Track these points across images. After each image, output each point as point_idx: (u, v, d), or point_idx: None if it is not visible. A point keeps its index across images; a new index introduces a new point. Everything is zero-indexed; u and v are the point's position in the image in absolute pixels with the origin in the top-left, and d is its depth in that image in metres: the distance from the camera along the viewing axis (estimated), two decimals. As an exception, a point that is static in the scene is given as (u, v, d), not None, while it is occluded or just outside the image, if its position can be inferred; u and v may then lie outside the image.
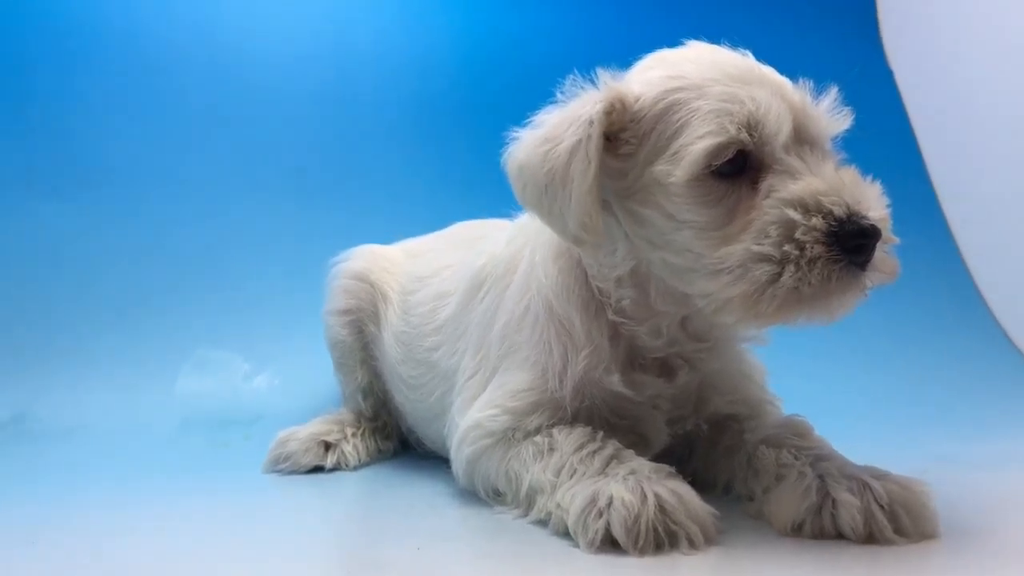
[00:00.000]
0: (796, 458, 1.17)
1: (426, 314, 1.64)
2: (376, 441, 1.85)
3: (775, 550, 1.05)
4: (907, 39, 3.64)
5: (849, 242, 1.06)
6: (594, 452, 1.18)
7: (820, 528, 1.07)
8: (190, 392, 2.17)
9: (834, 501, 1.07)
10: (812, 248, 1.05)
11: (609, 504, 1.04)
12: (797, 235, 1.06)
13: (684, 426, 1.37)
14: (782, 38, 3.64)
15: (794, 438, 1.23)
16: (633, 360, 1.31)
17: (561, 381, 1.28)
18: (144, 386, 2.20)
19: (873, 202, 1.11)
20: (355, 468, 1.74)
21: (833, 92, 1.24)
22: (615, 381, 1.27)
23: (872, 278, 1.11)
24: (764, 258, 1.07)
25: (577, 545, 1.06)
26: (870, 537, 1.04)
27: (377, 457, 1.83)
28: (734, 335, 1.39)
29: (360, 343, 1.86)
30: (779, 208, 1.08)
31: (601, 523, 1.04)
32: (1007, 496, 1.36)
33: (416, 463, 1.77)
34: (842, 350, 2.73)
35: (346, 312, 1.87)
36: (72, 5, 2.67)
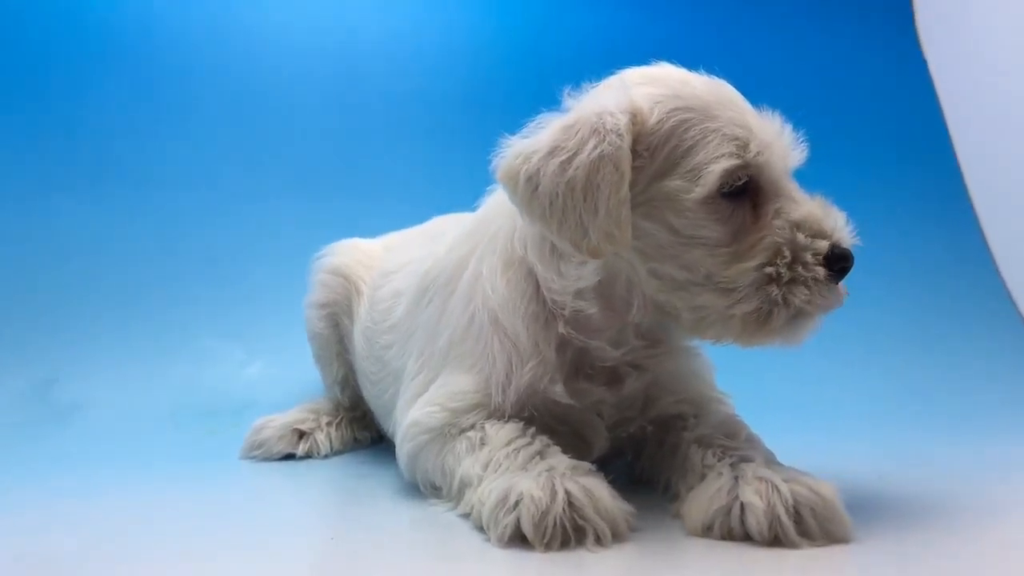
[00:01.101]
0: (719, 459, 1.19)
1: (384, 311, 1.67)
2: (353, 430, 1.91)
3: (683, 550, 1.07)
4: (942, 27, 3.56)
5: (835, 265, 1.17)
6: (520, 448, 1.20)
7: (728, 529, 1.09)
8: (185, 379, 2.25)
9: (742, 504, 1.08)
10: (815, 270, 1.15)
11: (519, 500, 1.07)
12: (807, 258, 1.15)
13: (628, 428, 1.39)
14: (815, 23, 3.62)
15: (723, 439, 1.25)
16: (579, 369, 1.33)
17: (504, 392, 1.30)
18: (147, 373, 2.30)
19: (846, 229, 1.21)
20: (326, 456, 1.80)
21: (789, 127, 1.28)
22: (558, 391, 1.29)
23: (843, 299, 1.21)
24: (775, 279, 1.16)
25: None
26: (775, 539, 1.05)
27: (353, 446, 1.89)
28: (684, 334, 1.41)
29: (336, 336, 1.92)
30: (789, 231, 1.16)
31: (511, 518, 1.06)
32: (965, 504, 1.34)
33: (389, 453, 1.82)
34: (867, 347, 2.73)
35: (323, 306, 1.92)
36: (89, 5, 2.78)
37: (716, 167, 1.15)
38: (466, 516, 1.20)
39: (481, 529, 1.14)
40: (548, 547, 1.04)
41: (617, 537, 1.09)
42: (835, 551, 1.05)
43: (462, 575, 1.01)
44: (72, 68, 2.69)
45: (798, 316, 1.17)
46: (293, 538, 1.19)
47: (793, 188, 1.22)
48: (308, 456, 1.79)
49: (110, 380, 2.24)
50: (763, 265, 1.16)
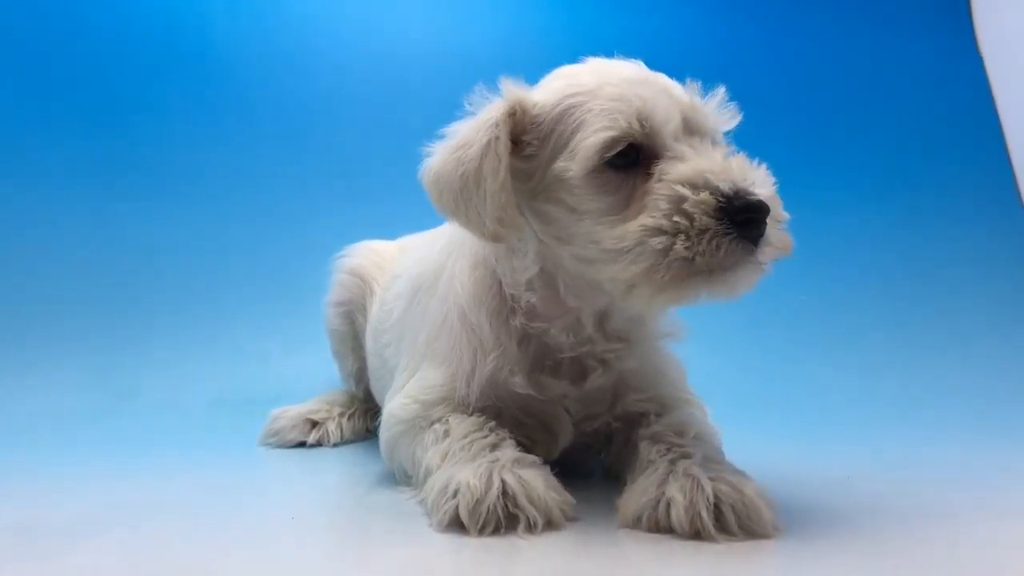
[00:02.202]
0: (661, 455, 1.25)
1: (388, 312, 1.78)
2: (365, 421, 2.03)
3: (609, 539, 1.13)
4: (999, 26, 3.45)
5: (738, 216, 1.13)
6: (474, 441, 1.29)
7: (655, 522, 1.14)
8: (225, 370, 2.44)
9: (668, 499, 1.14)
10: (701, 219, 1.13)
11: (457, 489, 1.16)
12: (686, 207, 1.14)
13: (593, 424, 1.45)
14: (872, 21, 3.56)
15: (671, 436, 1.30)
16: (541, 362, 1.40)
17: (468, 383, 1.39)
18: (193, 364, 2.49)
19: (760, 181, 1.18)
20: (335, 445, 1.93)
21: (721, 91, 1.32)
22: (517, 382, 1.37)
23: (766, 253, 1.18)
24: (656, 231, 1.15)
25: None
26: (696, 533, 1.10)
27: (365, 436, 2.02)
28: (652, 332, 1.46)
29: (352, 332, 2.05)
30: (669, 186, 1.16)
31: (450, 506, 1.15)
32: (919, 509, 1.34)
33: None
34: (910, 342, 2.70)
35: (340, 304, 2.06)
36: (150, 23, 3.01)
37: (589, 141, 1.21)
38: (422, 503, 1.29)
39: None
40: (482, 532, 1.13)
41: (551, 525, 1.16)
42: (752, 546, 1.09)
43: (397, 556, 1.09)
44: (136, 81, 2.93)
45: (709, 271, 1.15)
46: (257, 518, 1.30)
47: (684, 149, 1.21)
48: (319, 444, 1.92)
49: (160, 370, 2.44)
50: (645, 225, 1.16)
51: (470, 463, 1.22)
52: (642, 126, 1.21)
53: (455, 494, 1.16)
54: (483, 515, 1.13)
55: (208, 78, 3.00)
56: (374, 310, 1.94)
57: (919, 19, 3.47)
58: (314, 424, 1.95)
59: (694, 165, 1.18)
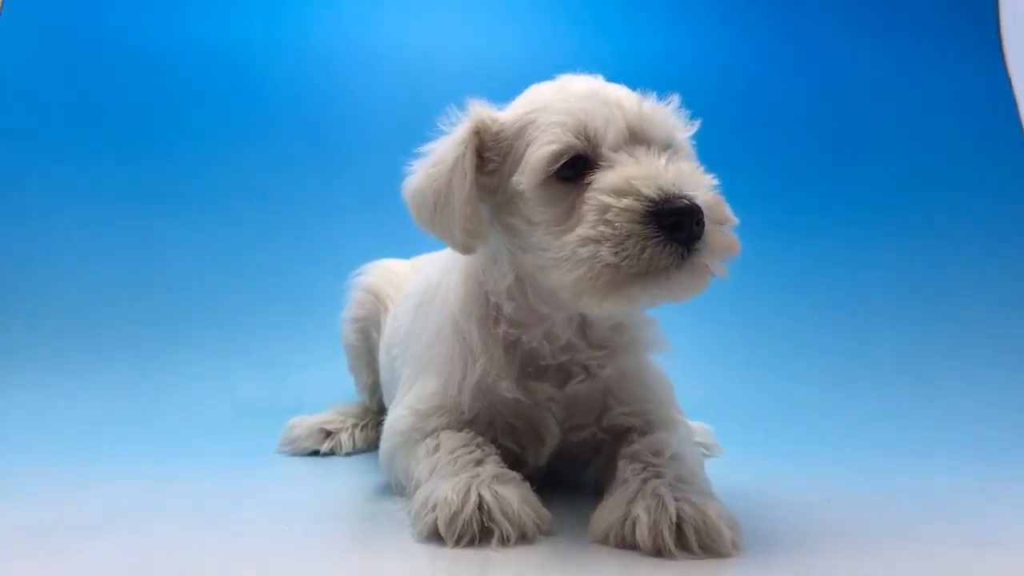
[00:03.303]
0: (635, 474, 1.30)
1: (397, 328, 1.87)
2: (378, 432, 2.09)
3: (578, 554, 1.19)
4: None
5: (665, 220, 1.17)
6: (460, 456, 1.36)
7: (621, 539, 1.20)
8: (249, 379, 2.57)
9: (634, 517, 1.20)
10: (624, 226, 1.18)
11: (436, 503, 1.23)
12: (608, 216, 1.19)
13: (580, 434, 1.51)
14: (901, 42, 3.54)
15: (648, 455, 1.35)
16: (527, 368, 1.47)
17: (460, 388, 1.47)
18: (219, 372, 2.63)
19: (695, 185, 1.23)
20: (348, 455, 2.02)
21: (675, 98, 1.40)
22: (504, 387, 1.44)
23: (705, 256, 1.21)
24: (586, 240, 1.22)
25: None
26: (658, 551, 1.16)
27: (377, 446, 2.08)
28: (637, 344, 1.52)
29: (367, 347, 2.14)
30: (596, 195, 1.23)
31: (429, 518, 1.23)
32: (889, 533, 1.38)
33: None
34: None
35: (356, 320, 2.16)
36: (190, 49, 3.18)
37: (536, 155, 1.29)
38: (409, 514, 1.37)
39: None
40: (458, 544, 1.20)
41: (525, 539, 1.23)
42: (711, 564, 1.14)
43: (375, 565, 1.17)
44: (176, 106, 3.10)
45: (644, 274, 1.19)
46: (252, 523, 1.38)
47: (619, 158, 1.25)
48: (332, 453, 2.01)
49: (191, 379, 2.58)
50: (579, 235, 1.22)
51: (453, 477, 1.29)
52: (584, 138, 1.28)
53: (434, 507, 1.23)
54: (459, 528, 1.20)
55: (243, 102, 3.16)
56: (387, 326, 2.03)
57: (947, 40, 3.44)
58: (328, 434, 2.05)
59: (622, 172, 1.23)
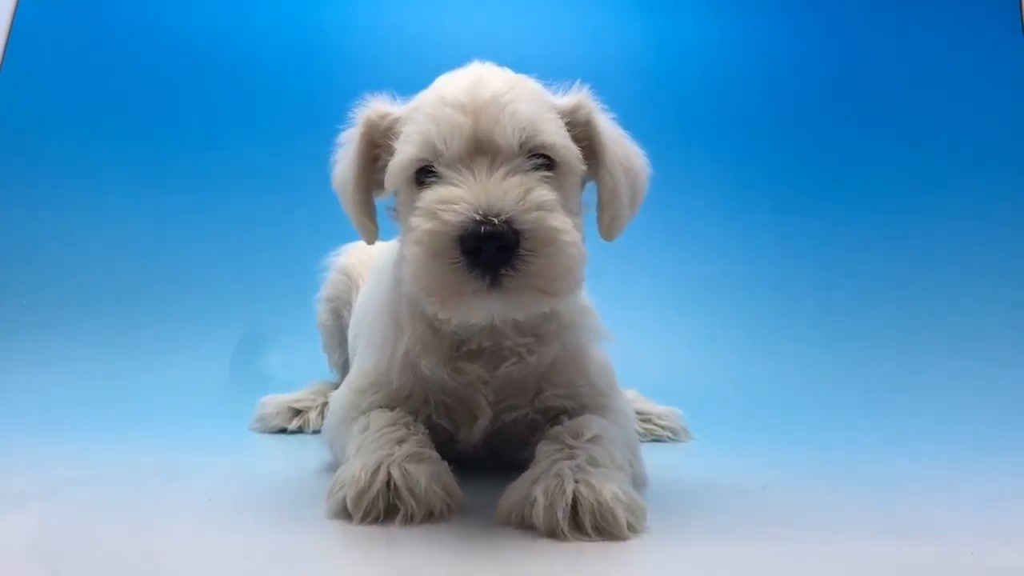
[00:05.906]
0: (549, 455, 1.30)
1: (358, 308, 1.91)
2: (349, 410, 2.16)
3: (478, 532, 1.20)
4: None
5: (467, 245, 1.16)
6: (384, 435, 1.38)
7: (521, 519, 1.21)
8: (241, 359, 2.64)
9: (533, 498, 1.20)
10: (430, 248, 1.18)
11: (346, 481, 1.26)
12: (419, 236, 1.20)
13: (513, 414, 1.51)
14: (926, 31, 3.42)
15: (567, 436, 1.35)
16: (457, 348, 1.47)
17: (390, 362, 1.50)
18: (217, 353, 2.72)
19: (517, 207, 1.18)
20: (315, 432, 2.06)
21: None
22: (426, 364, 1.46)
23: (521, 280, 1.18)
24: (404, 257, 1.28)
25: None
26: (552, 532, 1.16)
27: (349, 424, 2.15)
28: (571, 330, 1.51)
29: (339, 327, 2.18)
30: (413, 215, 1.23)
31: (339, 495, 1.26)
32: (807, 522, 1.35)
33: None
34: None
35: (329, 300, 2.20)
36: (200, 40, 3.27)
37: (393, 160, 1.33)
38: (339, 491, 1.40)
39: (334, 503, 1.33)
40: (363, 520, 1.22)
41: (432, 517, 1.25)
42: (601, 546, 1.14)
43: (276, 538, 1.20)
44: (191, 92, 3.21)
45: (458, 295, 1.20)
46: (181, 497, 1.44)
47: (453, 174, 1.23)
48: (300, 431, 2.06)
49: (185, 353, 2.67)
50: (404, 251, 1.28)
51: (370, 455, 1.31)
52: (430, 150, 1.28)
53: (343, 485, 1.26)
54: (364, 505, 1.23)
55: (250, 91, 3.23)
56: (355, 306, 2.07)
57: (967, 23, 3.31)
58: (297, 412, 2.10)
59: (440, 193, 1.21)
